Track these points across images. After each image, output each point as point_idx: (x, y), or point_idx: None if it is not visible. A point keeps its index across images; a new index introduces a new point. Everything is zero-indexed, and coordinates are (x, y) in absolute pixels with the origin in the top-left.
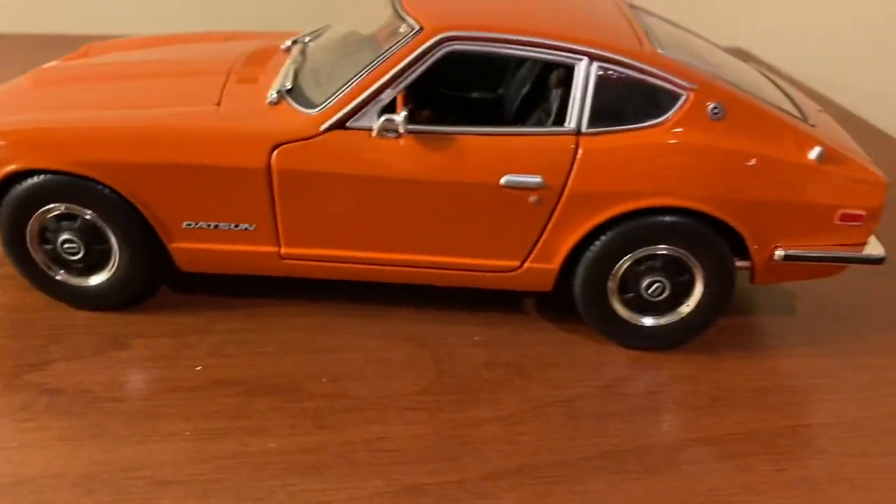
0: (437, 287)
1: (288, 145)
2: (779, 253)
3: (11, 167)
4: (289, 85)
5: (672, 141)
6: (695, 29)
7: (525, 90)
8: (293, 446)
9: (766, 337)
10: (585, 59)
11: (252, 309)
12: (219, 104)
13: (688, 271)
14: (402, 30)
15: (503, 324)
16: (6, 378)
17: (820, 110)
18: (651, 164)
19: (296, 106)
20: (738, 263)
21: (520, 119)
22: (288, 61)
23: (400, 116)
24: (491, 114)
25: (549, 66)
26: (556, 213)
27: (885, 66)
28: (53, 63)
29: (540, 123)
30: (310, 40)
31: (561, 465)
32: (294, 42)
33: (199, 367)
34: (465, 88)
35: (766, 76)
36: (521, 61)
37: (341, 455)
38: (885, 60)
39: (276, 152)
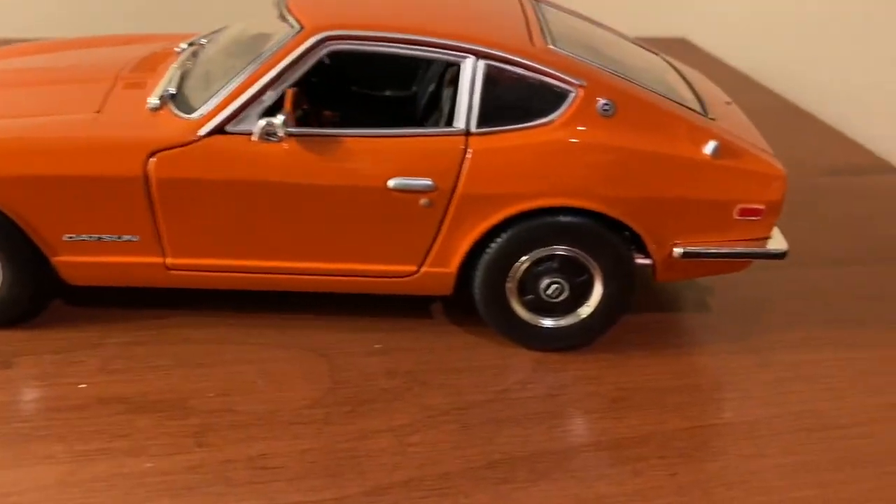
0: (339, 293)
1: (165, 152)
2: (677, 250)
3: None
4: (172, 90)
5: (561, 139)
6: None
7: (432, 88)
8: (171, 466)
9: (677, 334)
10: (471, 58)
11: (145, 321)
12: (99, 111)
13: (586, 271)
14: (283, 30)
15: (407, 329)
16: None
17: (728, 102)
18: (540, 163)
19: (176, 111)
20: (640, 261)
21: (427, 118)
22: (174, 65)
23: (279, 119)
24: (401, 113)
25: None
26: (449, 216)
27: (827, 56)
28: None
29: (438, 123)
30: (207, 42)
31: (448, 477)
32: (190, 44)
33: (83, 385)
34: (380, 87)
35: (674, 68)
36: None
37: (220, 474)
38: (827, 51)
39: (152, 160)
